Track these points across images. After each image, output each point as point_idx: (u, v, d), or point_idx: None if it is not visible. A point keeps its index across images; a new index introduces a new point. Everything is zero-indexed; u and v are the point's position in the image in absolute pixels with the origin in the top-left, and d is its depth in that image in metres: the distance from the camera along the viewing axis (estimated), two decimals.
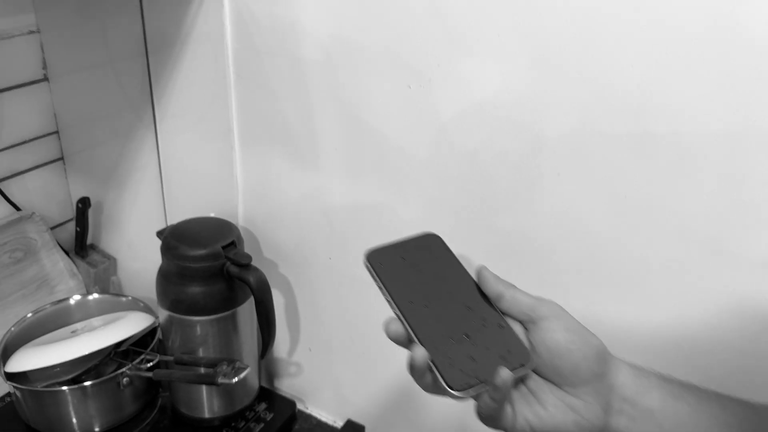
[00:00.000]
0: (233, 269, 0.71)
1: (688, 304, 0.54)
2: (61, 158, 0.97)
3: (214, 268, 0.71)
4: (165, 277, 0.74)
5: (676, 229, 0.52)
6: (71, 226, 0.99)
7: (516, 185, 0.59)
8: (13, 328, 0.82)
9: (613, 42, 0.50)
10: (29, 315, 0.85)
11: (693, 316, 0.54)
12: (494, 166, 0.60)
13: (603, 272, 0.57)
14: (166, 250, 0.72)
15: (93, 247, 1.02)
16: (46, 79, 0.91)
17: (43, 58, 0.89)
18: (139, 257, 0.98)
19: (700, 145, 0.49)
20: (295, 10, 0.65)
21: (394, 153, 0.65)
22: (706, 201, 0.50)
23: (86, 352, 0.75)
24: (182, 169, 0.85)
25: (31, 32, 0.87)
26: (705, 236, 0.51)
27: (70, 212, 1.00)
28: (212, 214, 0.80)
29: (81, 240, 0.97)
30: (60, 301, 0.88)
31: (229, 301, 0.74)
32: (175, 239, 0.72)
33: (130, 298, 0.89)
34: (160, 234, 0.75)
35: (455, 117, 0.60)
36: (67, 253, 0.98)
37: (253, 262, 0.72)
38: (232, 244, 0.72)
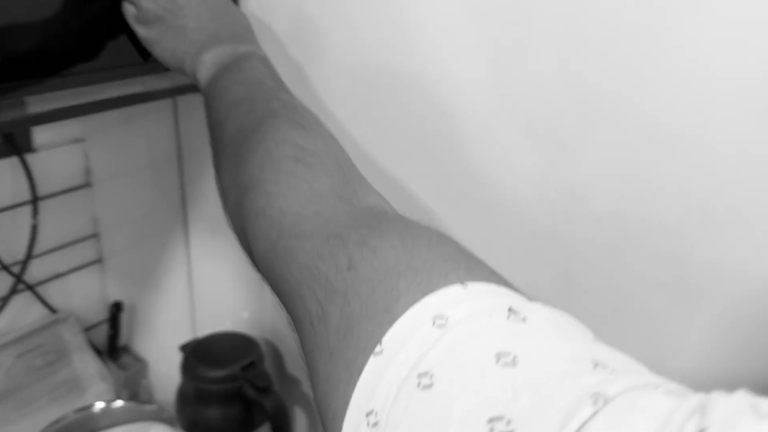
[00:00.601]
0: (251, 392, 0.68)
1: None
2: (100, 260, 0.98)
3: (232, 390, 0.69)
4: (183, 398, 0.72)
5: None
6: (106, 327, 0.99)
7: None
8: None
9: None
10: (53, 426, 0.83)
11: None
12: None
13: None
14: (185, 369, 0.71)
15: (126, 349, 1.01)
16: (88, 184, 0.93)
17: (87, 165, 0.91)
18: (169, 362, 0.97)
19: None
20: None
21: None
22: None
23: None
24: (211, 275, 0.85)
25: (77, 141, 0.89)
26: None
27: (107, 313, 1.00)
28: (242, 316, 0.78)
29: (113, 343, 0.97)
30: (83, 408, 0.87)
31: (247, 424, 0.71)
32: (195, 358, 0.71)
33: (155, 406, 0.87)
34: (183, 349, 0.74)
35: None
36: (100, 353, 0.98)
37: (276, 379, 0.70)
38: (252, 364, 0.70)
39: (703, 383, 0.47)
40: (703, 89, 0.42)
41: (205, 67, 0.51)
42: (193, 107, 0.74)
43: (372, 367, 0.26)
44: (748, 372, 0.45)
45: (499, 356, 0.23)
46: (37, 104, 0.57)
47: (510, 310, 0.26)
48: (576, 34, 0.45)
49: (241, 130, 0.44)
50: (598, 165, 0.48)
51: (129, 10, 0.53)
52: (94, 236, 0.96)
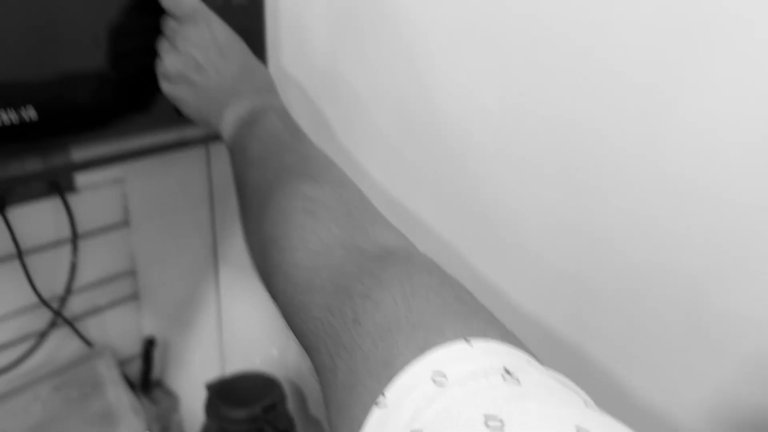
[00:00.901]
0: None
1: None
2: (136, 296, 1.01)
3: (253, 431, 0.70)
4: None
5: None
6: (140, 361, 1.02)
7: None
8: None
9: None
10: None
11: None
12: None
13: None
14: (209, 408, 0.72)
15: (159, 383, 1.03)
16: (126, 223, 0.96)
17: (125, 204, 0.95)
18: (199, 397, 0.98)
19: None
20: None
21: None
22: None
23: None
24: (240, 313, 0.86)
25: (116, 182, 0.93)
26: None
27: (141, 347, 1.03)
28: (272, 353, 0.79)
29: (146, 378, 0.99)
30: None
31: None
32: (219, 397, 0.72)
33: None
34: (209, 388, 0.76)
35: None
36: (133, 387, 1.00)
37: (299, 419, 0.71)
38: (273, 406, 0.71)
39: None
40: (716, 137, 0.42)
41: (227, 123, 0.53)
42: (224, 153, 0.76)
43: (373, 421, 0.27)
44: (760, 422, 0.44)
45: (487, 420, 0.24)
46: (79, 152, 0.60)
47: (505, 371, 0.27)
48: (589, 83, 0.46)
49: (257, 187, 0.46)
50: (611, 210, 0.48)
51: (158, 68, 0.56)
52: (132, 273, 1.00)
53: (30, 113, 0.47)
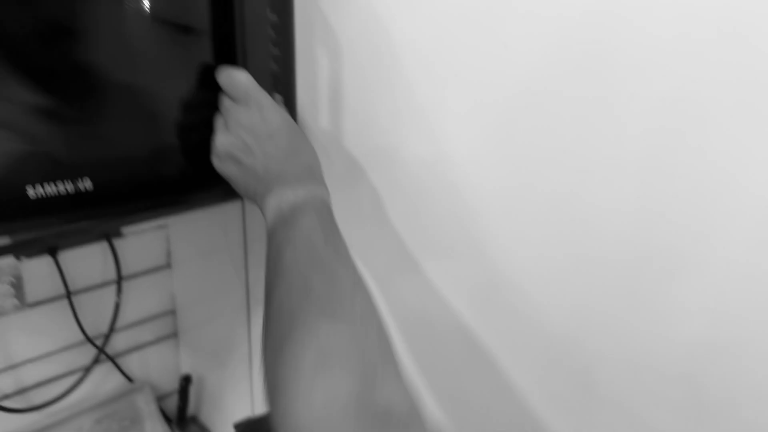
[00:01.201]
0: None
1: None
2: (176, 334, 1.06)
3: None
4: None
5: None
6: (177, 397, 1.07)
7: None
8: None
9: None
10: None
11: None
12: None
13: None
14: None
15: (194, 419, 1.08)
16: (168, 265, 1.02)
17: (168, 248, 1.01)
18: None
19: None
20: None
21: None
22: None
23: None
24: None
25: (160, 227, 0.99)
26: None
27: (179, 384, 1.08)
28: None
29: (182, 414, 1.04)
30: None
31: None
32: None
33: None
34: (236, 427, 0.79)
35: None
36: (170, 422, 1.05)
37: None
38: None
39: None
40: (716, 208, 0.44)
41: (269, 210, 0.53)
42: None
43: None
44: None
45: None
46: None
47: None
48: (585, 161, 0.49)
49: (280, 310, 0.47)
50: (611, 278, 0.50)
51: (212, 144, 0.57)
52: (172, 313, 1.05)
53: (86, 184, 0.51)
